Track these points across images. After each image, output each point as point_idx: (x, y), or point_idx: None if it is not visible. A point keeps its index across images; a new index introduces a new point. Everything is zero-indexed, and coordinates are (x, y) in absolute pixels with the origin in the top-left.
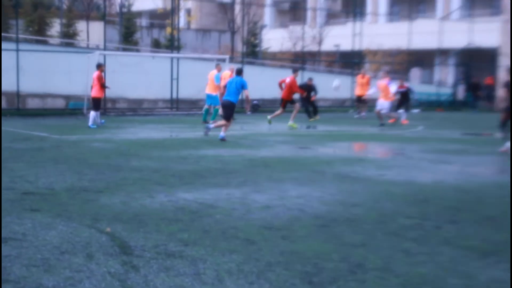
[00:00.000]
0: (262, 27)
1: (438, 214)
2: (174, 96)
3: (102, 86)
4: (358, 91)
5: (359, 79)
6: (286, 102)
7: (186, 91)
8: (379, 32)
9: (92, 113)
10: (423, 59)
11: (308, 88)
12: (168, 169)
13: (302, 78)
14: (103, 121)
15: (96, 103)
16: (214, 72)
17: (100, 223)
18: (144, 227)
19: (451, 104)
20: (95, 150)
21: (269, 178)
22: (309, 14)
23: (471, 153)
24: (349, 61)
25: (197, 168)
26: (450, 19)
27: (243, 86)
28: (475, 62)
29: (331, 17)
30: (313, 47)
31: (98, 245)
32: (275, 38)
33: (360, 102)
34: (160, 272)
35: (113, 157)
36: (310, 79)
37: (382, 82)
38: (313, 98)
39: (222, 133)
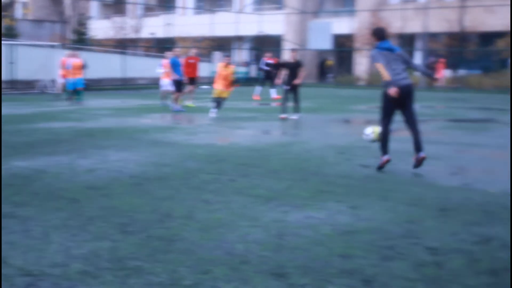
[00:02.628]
0: (89, 18)
1: (233, 169)
2: (12, 77)
3: None
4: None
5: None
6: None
7: (23, 73)
8: (188, 22)
9: None
10: (223, 44)
11: None
12: (4, 141)
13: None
14: None
15: None
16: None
17: None
18: None
19: (246, 80)
20: None
21: (93, 146)
22: (129, 7)
23: (260, 119)
24: (163, 46)
25: (30, 139)
26: (244, 12)
27: None
28: (265, 47)
29: (148, 10)
30: (133, 35)
31: None
32: (100, 28)
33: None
34: None
35: None
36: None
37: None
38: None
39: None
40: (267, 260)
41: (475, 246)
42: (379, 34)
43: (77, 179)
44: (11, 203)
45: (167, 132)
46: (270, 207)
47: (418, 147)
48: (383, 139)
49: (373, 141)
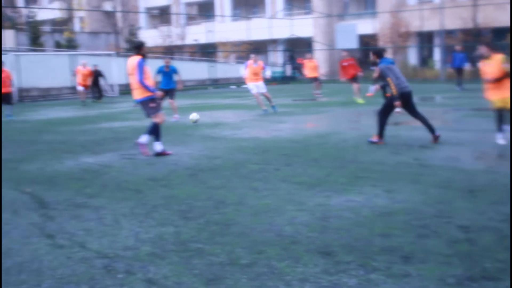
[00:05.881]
0: (139, 28)
1: (277, 159)
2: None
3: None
4: (309, 74)
5: (306, 63)
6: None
7: None
8: (227, 28)
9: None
10: (259, 47)
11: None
12: (73, 140)
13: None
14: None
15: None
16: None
17: (21, 185)
18: (56, 186)
19: (282, 79)
20: (15, 130)
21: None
22: (173, 17)
23: (299, 113)
24: (206, 51)
25: (95, 138)
26: (276, 17)
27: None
28: (297, 48)
29: (190, 19)
30: (178, 42)
31: (21, 202)
32: (149, 37)
33: (314, 82)
34: (71, 219)
35: (29, 133)
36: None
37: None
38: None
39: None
40: (314, 240)
41: (502, 224)
42: (381, 53)
43: (139, 172)
44: (84, 195)
45: (215, 128)
46: (313, 192)
47: (430, 129)
48: (382, 127)
49: (194, 122)
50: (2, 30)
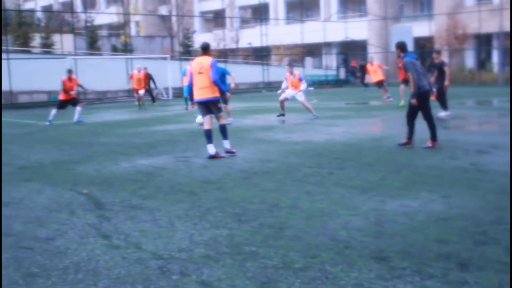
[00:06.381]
0: (193, 32)
1: (330, 163)
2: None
3: (64, 91)
4: (373, 78)
5: (369, 67)
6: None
7: None
8: (280, 32)
9: (53, 112)
10: (313, 50)
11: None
12: (128, 142)
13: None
14: (80, 119)
15: (59, 104)
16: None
17: (78, 186)
18: (112, 187)
19: (336, 82)
20: (72, 132)
21: (203, 145)
22: (228, 21)
23: (352, 117)
24: (259, 54)
25: (150, 140)
26: (330, 20)
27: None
28: (351, 51)
29: (244, 22)
30: (232, 46)
31: (78, 203)
32: (203, 40)
33: (381, 87)
34: (127, 220)
35: (86, 136)
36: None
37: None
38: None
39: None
40: (368, 245)
41: None
42: (404, 46)
43: (193, 174)
44: (139, 196)
45: (268, 131)
46: (367, 197)
47: (433, 136)
48: (411, 129)
49: (200, 124)
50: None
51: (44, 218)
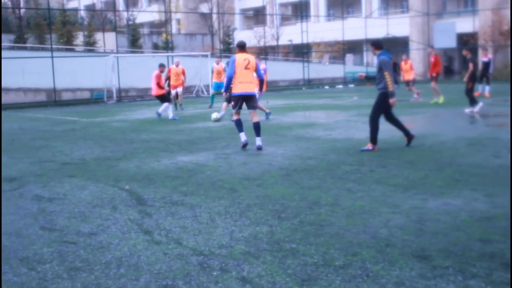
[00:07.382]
0: (234, 29)
1: (371, 161)
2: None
3: (158, 85)
4: (405, 77)
5: (402, 65)
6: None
7: None
8: (321, 29)
9: (164, 106)
10: (354, 47)
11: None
12: (169, 139)
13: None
14: (176, 117)
15: (161, 99)
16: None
17: (120, 182)
18: (153, 183)
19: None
20: (114, 128)
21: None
22: (268, 18)
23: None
24: (300, 51)
25: (191, 137)
26: (372, 17)
27: None
28: (392, 48)
29: (284, 19)
30: (272, 43)
31: (120, 199)
32: (244, 38)
33: (410, 86)
34: (168, 216)
35: (128, 132)
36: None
37: None
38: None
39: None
40: (410, 243)
41: None
42: (379, 44)
43: (234, 171)
44: (180, 193)
45: (308, 128)
46: (408, 195)
47: (406, 132)
48: (374, 131)
49: (215, 120)
50: (104, 33)
51: (87, 213)
